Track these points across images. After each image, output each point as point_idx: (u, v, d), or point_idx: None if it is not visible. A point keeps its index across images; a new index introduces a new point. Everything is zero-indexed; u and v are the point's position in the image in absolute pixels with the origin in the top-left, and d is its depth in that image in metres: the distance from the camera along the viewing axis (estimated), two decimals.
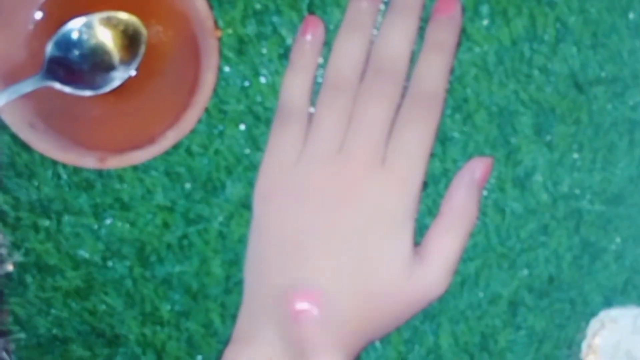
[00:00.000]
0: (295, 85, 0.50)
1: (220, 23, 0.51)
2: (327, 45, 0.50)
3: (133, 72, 0.49)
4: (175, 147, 0.50)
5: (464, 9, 0.50)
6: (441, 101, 0.49)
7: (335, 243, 0.47)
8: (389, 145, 0.47)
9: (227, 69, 0.51)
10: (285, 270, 0.47)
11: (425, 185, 0.49)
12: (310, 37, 0.50)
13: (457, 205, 0.48)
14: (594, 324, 0.50)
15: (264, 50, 0.51)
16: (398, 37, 0.49)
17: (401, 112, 0.48)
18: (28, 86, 0.48)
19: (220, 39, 0.50)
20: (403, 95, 0.49)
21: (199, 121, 0.49)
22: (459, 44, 0.50)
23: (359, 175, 0.47)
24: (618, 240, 0.51)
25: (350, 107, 0.48)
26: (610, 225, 0.51)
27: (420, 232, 0.49)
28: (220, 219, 0.51)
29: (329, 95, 0.49)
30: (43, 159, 0.51)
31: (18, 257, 0.52)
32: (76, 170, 0.51)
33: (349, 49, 0.49)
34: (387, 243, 0.47)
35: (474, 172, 0.49)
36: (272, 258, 0.47)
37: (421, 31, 0.50)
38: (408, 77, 0.49)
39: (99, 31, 0.49)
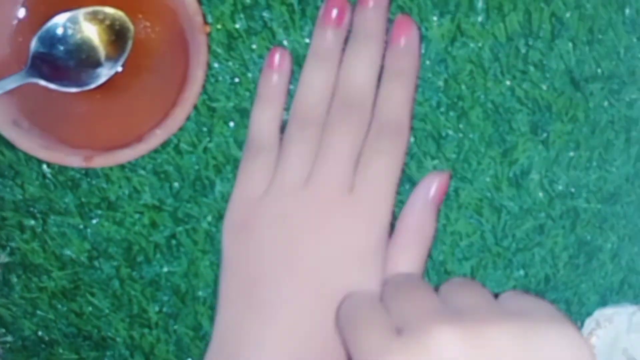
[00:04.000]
0: (263, 118, 0.49)
1: (209, 18, 0.50)
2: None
3: (119, 69, 0.49)
4: (163, 145, 0.49)
5: (422, 37, 0.49)
6: (406, 129, 0.48)
7: (302, 276, 0.45)
8: (356, 175, 0.47)
9: (216, 65, 0.50)
10: (249, 310, 0.45)
11: (394, 216, 0.48)
12: (277, 68, 0.49)
13: (412, 224, 0.47)
14: (590, 323, 0.50)
15: (254, 46, 0.50)
16: (361, 66, 0.48)
17: (367, 143, 0.47)
18: (12, 83, 0.47)
19: (209, 35, 0.50)
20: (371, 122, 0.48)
21: (188, 119, 0.49)
22: (419, 67, 0.49)
23: (326, 206, 0.46)
24: (614, 239, 0.50)
25: (318, 139, 0.47)
26: (607, 223, 0.50)
27: None
28: (209, 218, 0.51)
29: (296, 127, 0.48)
30: (28, 157, 0.50)
31: (3, 257, 0.51)
32: (62, 169, 0.50)
33: (315, 80, 0.48)
34: (356, 274, 0.45)
35: (430, 189, 0.47)
36: (237, 295, 0.46)
37: None
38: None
39: (84, 26, 0.49)
